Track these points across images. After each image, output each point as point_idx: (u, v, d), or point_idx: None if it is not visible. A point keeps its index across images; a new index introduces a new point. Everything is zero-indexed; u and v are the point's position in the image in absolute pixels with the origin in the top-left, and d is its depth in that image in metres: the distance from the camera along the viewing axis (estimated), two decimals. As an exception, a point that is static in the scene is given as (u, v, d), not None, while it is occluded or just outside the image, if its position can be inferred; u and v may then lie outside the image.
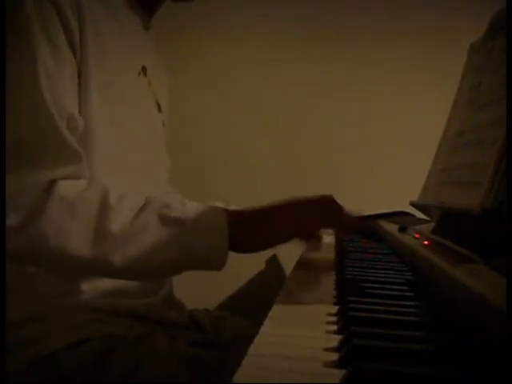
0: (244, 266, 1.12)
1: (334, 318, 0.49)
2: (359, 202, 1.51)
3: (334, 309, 0.52)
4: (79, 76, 0.72)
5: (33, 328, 0.73)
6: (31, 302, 0.74)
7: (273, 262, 1.48)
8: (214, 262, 0.68)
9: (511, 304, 0.38)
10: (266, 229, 0.72)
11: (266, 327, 0.46)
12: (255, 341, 0.42)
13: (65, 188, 0.65)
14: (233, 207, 1.06)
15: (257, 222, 0.72)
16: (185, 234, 0.67)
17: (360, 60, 1.66)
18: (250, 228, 0.71)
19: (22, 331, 0.72)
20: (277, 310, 0.52)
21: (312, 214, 0.75)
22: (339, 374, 0.36)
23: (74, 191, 0.66)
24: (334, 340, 0.43)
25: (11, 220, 0.62)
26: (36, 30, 0.67)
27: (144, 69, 0.89)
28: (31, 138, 0.65)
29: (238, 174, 1.67)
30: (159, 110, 0.94)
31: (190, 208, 0.69)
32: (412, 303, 0.54)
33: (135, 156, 0.84)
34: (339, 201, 0.75)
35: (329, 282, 0.68)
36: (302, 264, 0.82)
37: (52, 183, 0.65)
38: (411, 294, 0.58)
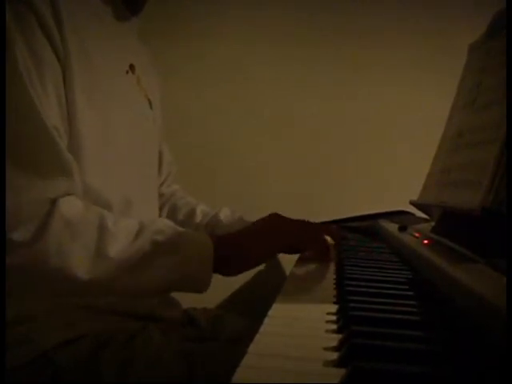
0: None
1: (334, 317, 0.49)
2: (359, 202, 1.52)
3: (334, 308, 0.52)
4: (64, 80, 0.71)
5: (26, 327, 0.73)
6: (24, 302, 0.74)
7: (273, 261, 1.48)
8: (199, 286, 0.71)
9: (511, 304, 0.38)
10: (248, 251, 0.76)
11: (266, 326, 0.46)
12: (255, 340, 0.42)
13: (66, 207, 0.65)
14: (238, 214, 1.07)
15: (241, 245, 0.76)
16: (175, 261, 0.69)
17: (360, 60, 1.66)
18: (235, 252, 0.75)
19: (15, 330, 0.72)
20: (277, 310, 0.52)
21: (287, 229, 0.81)
22: (339, 373, 0.36)
23: (75, 212, 0.66)
24: (334, 339, 0.43)
25: (14, 235, 0.61)
26: (18, 42, 0.65)
27: (132, 67, 0.88)
28: (28, 149, 0.64)
29: (239, 174, 1.67)
30: (150, 106, 0.94)
31: (181, 234, 0.72)
32: (412, 302, 0.54)
33: (127, 155, 0.83)
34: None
35: (329, 281, 0.68)
36: (302, 261, 0.82)
37: (54, 201, 0.65)
38: (411, 293, 0.58)
